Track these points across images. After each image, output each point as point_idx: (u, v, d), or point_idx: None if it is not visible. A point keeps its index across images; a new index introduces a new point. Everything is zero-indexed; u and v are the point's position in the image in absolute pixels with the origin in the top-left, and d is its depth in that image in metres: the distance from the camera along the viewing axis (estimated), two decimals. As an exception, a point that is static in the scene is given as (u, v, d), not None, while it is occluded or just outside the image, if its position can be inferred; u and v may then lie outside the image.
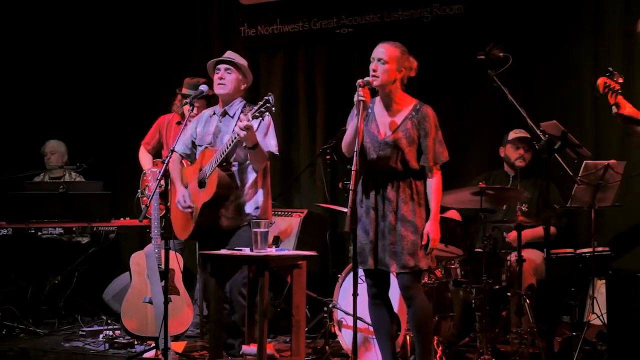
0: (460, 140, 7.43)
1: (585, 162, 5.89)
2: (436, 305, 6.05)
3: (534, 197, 6.73)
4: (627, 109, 5.47)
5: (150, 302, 6.64)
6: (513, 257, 6.17)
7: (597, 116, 7.09)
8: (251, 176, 6.00)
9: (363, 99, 5.02)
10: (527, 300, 6.00)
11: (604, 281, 6.10)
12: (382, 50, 5.16)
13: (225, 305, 5.92)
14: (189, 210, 6.01)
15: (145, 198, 7.16)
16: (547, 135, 5.47)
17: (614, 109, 5.43)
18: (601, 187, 5.95)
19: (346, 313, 6.19)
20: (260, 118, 5.68)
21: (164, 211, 6.12)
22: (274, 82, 8.49)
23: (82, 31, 9.30)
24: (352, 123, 5.15)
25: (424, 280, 6.02)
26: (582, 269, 6.16)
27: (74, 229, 7.56)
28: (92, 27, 9.29)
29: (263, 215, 6.03)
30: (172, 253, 5.96)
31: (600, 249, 6.16)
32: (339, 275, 6.42)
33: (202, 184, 5.96)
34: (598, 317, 6.07)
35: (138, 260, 6.87)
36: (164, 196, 6.14)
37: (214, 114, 6.18)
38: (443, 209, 5.67)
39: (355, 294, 4.86)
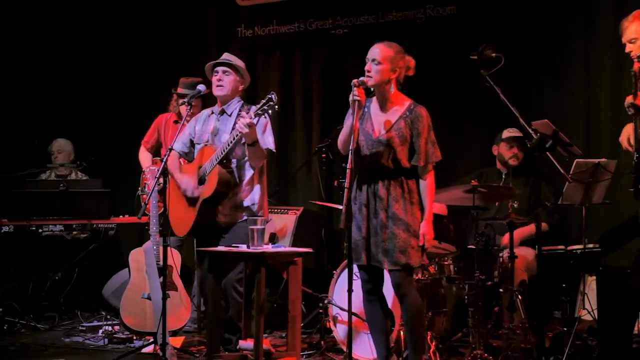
0: (453, 139, 7.48)
1: (576, 160, 5.94)
2: (430, 301, 6.08)
3: (526, 195, 6.75)
4: None
5: (149, 298, 6.70)
6: (505, 254, 6.15)
7: (587, 115, 7.16)
8: (248, 173, 6.01)
9: (358, 98, 5.05)
10: (519, 296, 6.00)
11: (594, 277, 6.15)
12: (377, 51, 5.20)
13: (222, 300, 5.92)
14: (198, 192, 6.01)
15: (145, 196, 7.18)
16: (538, 134, 5.44)
17: (629, 99, 5.26)
18: (592, 185, 6.01)
19: (341, 309, 6.22)
20: (263, 116, 5.74)
21: (162, 209, 6.17)
22: (271, 82, 8.52)
23: (81, 31, 9.34)
24: (348, 121, 5.19)
25: (418, 276, 6.05)
26: (573, 266, 6.20)
27: (74, 226, 7.62)
28: (92, 27, 9.32)
29: (259, 211, 6.04)
30: (170, 250, 6.00)
31: (590, 245, 6.18)
32: (334, 272, 6.45)
33: (201, 181, 5.98)
34: (589, 312, 6.12)
35: (137, 257, 6.92)
36: (163, 194, 6.16)
37: (212, 113, 6.21)
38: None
39: (350, 290, 4.91)
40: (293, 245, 7.26)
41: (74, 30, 9.37)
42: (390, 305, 5.56)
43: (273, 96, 5.62)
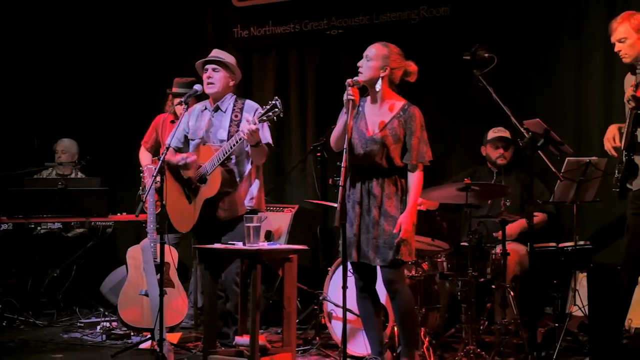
0: (446, 138, 7.53)
1: (567, 159, 5.98)
2: (423, 297, 6.13)
3: (517, 192, 6.80)
4: None
5: (146, 295, 6.73)
6: (498, 250, 6.20)
7: (579, 114, 7.20)
8: (247, 168, 6.06)
9: (352, 97, 5.10)
10: (511, 293, 6.05)
11: (585, 274, 6.16)
12: (371, 49, 5.28)
13: (220, 293, 5.97)
14: (193, 158, 6.03)
15: (144, 194, 7.24)
16: (530, 133, 5.39)
17: (630, 91, 5.22)
18: (583, 183, 6.05)
19: (336, 305, 6.27)
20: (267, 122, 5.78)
21: (160, 208, 6.20)
22: (267, 82, 8.57)
23: (80, 32, 9.38)
24: (342, 119, 5.25)
25: (412, 273, 6.11)
26: (564, 262, 6.26)
27: (72, 223, 7.67)
28: (90, 28, 9.37)
29: (257, 206, 6.10)
30: (167, 247, 6.00)
31: (581, 242, 6.23)
32: (329, 269, 6.49)
33: (202, 180, 6.01)
34: (580, 308, 6.15)
35: (134, 254, 6.94)
36: (160, 192, 6.18)
37: (205, 108, 6.22)
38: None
39: (344, 287, 4.94)
40: (288, 243, 7.28)
41: (73, 31, 9.40)
42: (383, 301, 5.60)
43: (277, 102, 5.61)
